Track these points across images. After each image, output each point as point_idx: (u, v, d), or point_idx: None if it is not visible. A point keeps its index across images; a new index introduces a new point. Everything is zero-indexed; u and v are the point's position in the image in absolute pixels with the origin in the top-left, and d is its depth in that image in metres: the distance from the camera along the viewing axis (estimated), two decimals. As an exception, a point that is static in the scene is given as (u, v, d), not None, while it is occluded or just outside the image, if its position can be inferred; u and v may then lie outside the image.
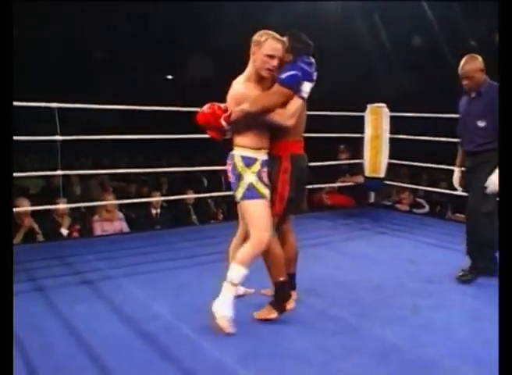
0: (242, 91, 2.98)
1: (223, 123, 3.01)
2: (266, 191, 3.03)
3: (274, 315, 3.10)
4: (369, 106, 6.61)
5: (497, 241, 3.56)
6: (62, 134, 4.63)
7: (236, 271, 2.96)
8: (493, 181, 3.62)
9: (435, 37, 10.15)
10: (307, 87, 3.00)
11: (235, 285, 2.98)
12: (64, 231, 5.46)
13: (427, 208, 7.03)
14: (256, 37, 2.96)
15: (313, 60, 3.05)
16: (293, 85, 2.95)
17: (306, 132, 3.28)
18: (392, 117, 6.50)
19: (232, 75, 3.12)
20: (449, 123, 6.06)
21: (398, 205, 6.99)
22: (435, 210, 7.47)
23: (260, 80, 3.02)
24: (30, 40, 10.59)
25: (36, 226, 5.22)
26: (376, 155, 6.53)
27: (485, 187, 3.67)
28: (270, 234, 3.01)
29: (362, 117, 6.62)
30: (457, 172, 4.20)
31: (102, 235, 5.59)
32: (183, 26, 11.27)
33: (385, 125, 6.48)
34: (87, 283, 3.74)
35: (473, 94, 3.81)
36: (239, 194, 3.01)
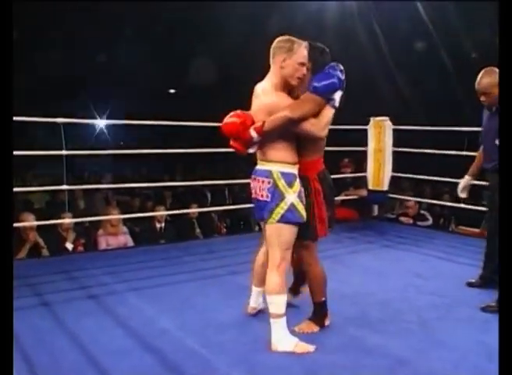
0: (275, 100, 2.81)
1: (253, 134, 2.79)
2: (304, 213, 2.88)
3: (316, 329, 3.12)
4: (372, 120, 6.63)
5: None
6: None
7: (276, 302, 2.84)
8: None
9: (438, 52, 10.20)
10: (338, 96, 2.87)
11: (281, 316, 2.85)
12: (69, 246, 5.47)
13: (430, 221, 7.02)
14: (285, 44, 2.82)
15: (342, 67, 2.91)
16: (328, 94, 2.82)
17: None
18: (395, 130, 6.53)
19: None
20: (451, 135, 6.13)
21: (402, 218, 6.99)
22: (439, 222, 7.47)
23: (287, 88, 2.88)
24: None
25: (41, 241, 5.24)
26: (379, 169, 6.55)
27: None
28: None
29: (365, 130, 6.65)
30: (466, 179, 4.13)
31: (107, 249, 5.59)
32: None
33: (388, 138, 6.50)
34: (93, 298, 3.74)
35: (493, 109, 3.65)
36: (276, 215, 2.81)
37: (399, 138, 6.63)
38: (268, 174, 2.83)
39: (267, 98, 2.84)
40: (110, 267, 4.55)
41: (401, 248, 5.42)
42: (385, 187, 6.58)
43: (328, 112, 2.86)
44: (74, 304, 3.61)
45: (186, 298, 3.73)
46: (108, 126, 5.07)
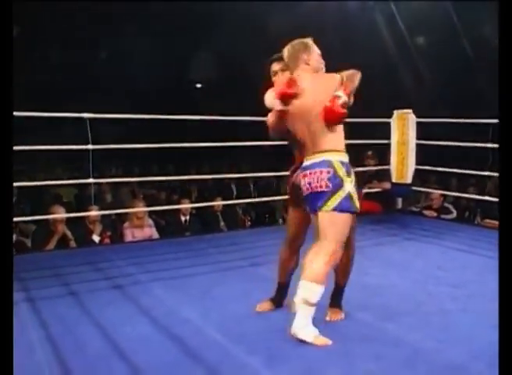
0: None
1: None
2: (358, 204, 2.88)
3: (343, 315, 3.22)
4: (396, 112, 6.61)
5: None
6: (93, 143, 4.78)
7: (313, 290, 2.76)
8: None
9: (461, 42, 10.08)
10: None
11: (312, 305, 2.78)
12: (96, 238, 5.59)
13: (454, 214, 6.98)
14: (300, 46, 3.00)
15: None
16: None
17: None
18: (420, 123, 6.50)
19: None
20: (476, 127, 6.08)
21: (425, 211, 6.96)
22: (464, 216, 7.42)
23: None
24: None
25: (69, 233, 5.37)
26: (403, 162, 6.53)
27: None
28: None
29: (389, 123, 6.63)
30: None
31: (133, 241, 5.71)
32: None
33: (412, 131, 6.47)
34: (118, 288, 3.85)
35: None
36: (332, 202, 2.79)
37: (425, 131, 6.61)
38: (329, 164, 2.82)
39: (329, 76, 2.99)
40: (135, 258, 4.66)
41: (424, 240, 5.41)
42: (409, 180, 6.56)
43: None
44: (99, 294, 3.72)
45: (208, 289, 3.80)
46: (130, 121, 5.13)
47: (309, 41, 3.04)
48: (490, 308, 3.39)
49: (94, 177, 5.02)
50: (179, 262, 4.54)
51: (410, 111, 6.55)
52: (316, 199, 2.86)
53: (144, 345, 2.85)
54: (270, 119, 3.12)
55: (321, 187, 2.81)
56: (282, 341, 2.89)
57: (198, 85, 16.63)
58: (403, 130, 6.52)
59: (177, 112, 5.59)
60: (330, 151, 2.85)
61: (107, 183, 8.14)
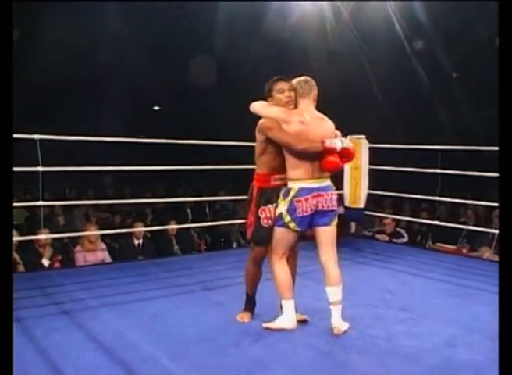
0: None
1: None
2: None
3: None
4: (349, 138, 6.71)
5: None
6: (47, 164, 4.70)
7: (340, 291, 3.49)
8: None
9: (414, 69, 10.39)
10: None
11: (341, 302, 3.46)
12: (45, 262, 5.48)
13: (406, 238, 7.12)
14: (311, 83, 3.49)
15: None
16: None
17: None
18: (373, 148, 6.65)
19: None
20: (429, 153, 6.25)
21: (378, 236, 7.09)
22: (416, 240, 7.58)
23: None
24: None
25: (16, 257, 5.24)
26: (356, 186, 6.65)
27: None
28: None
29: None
30: None
31: (84, 265, 5.61)
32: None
33: (365, 156, 6.62)
34: (66, 314, 3.76)
35: None
36: (335, 219, 3.55)
37: (379, 156, 6.75)
38: (331, 188, 3.49)
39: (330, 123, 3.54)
40: (85, 283, 4.58)
41: (375, 264, 5.50)
42: (362, 205, 6.68)
43: None
44: (46, 319, 3.63)
45: (159, 314, 3.77)
46: (89, 143, 5.08)
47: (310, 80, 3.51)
48: (437, 331, 3.49)
49: (47, 199, 4.93)
50: (131, 287, 4.48)
51: (363, 136, 6.69)
52: (327, 216, 3.48)
53: (89, 372, 2.80)
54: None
55: (333, 206, 3.48)
56: (231, 367, 2.89)
57: (156, 107, 16.60)
58: (356, 155, 6.63)
59: (133, 135, 5.57)
60: (327, 178, 3.49)
61: (60, 205, 8.00)
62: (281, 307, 3.44)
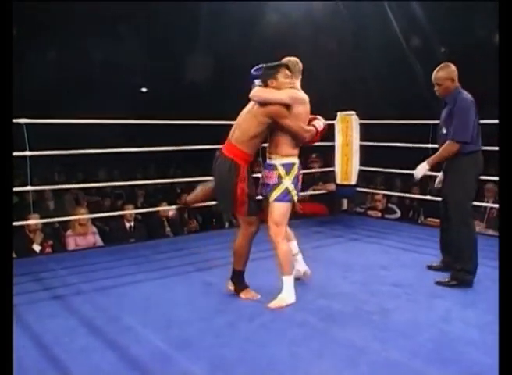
0: None
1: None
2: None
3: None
4: (339, 114, 6.70)
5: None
6: (33, 149, 4.64)
7: None
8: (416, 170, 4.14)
9: (401, 45, 10.35)
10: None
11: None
12: (36, 247, 5.43)
13: (398, 214, 7.13)
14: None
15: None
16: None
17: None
18: (364, 124, 6.61)
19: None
20: (421, 128, 6.22)
21: (370, 212, 7.08)
22: (408, 215, 7.58)
23: None
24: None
25: (7, 243, 5.18)
26: (347, 163, 6.62)
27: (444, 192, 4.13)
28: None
29: (332, 125, 6.71)
30: (440, 174, 4.31)
31: (76, 250, 5.57)
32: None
33: (356, 133, 6.58)
34: (58, 298, 3.73)
35: (445, 102, 4.04)
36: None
37: (369, 132, 6.71)
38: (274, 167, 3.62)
39: None
40: (77, 267, 4.54)
41: (368, 240, 5.50)
42: (354, 181, 6.65)
43: None
44: (38, 305, 3.60)
45: (152, 296, 3.75)
46: (81, 125, 5.01)
47: None
48: (430, 306, 3.50)
49: (34, 184, 4.87)
50: (123, 270, 4.45)
51: (353, 113, 6.65)
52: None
53: (83, 356, 2.78)
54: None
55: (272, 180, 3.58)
56: (226, 347, 2.88)
57: (143, 89, 16.44)
58: (347, 131, 6.62)
59: (124, 116, 5.48)
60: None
61: (49, 190, 7.92)
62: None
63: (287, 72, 3.53)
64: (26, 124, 4.59)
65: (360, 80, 10.85)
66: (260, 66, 3.56)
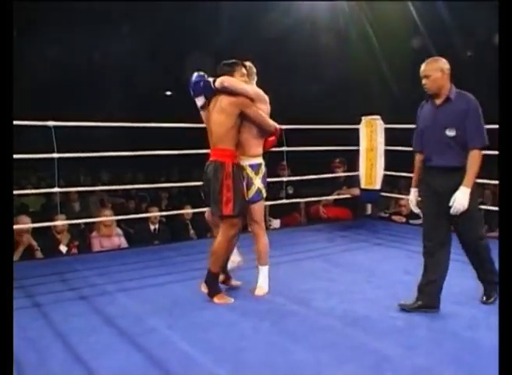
0: None
1: None
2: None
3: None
4: (364, 119, 6.67)
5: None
6: (60, 151, 4.70)
7: None
8: (458, 199, 3.32)
9: (428, 48, 10.23)
10: (198, 101, 3.74)
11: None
12: (63, 248, 5.49)
13: (423, 219, 7.04)
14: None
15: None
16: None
17: (303, 145, 3.45)
18: (387, 129, 6.56)
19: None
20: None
21: (394, 217, 7.02)
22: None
23: None
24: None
25: (35, 243, 5.26)
26: (372, 168, 6.59)
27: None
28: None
29: (357, 130, 6.68)
30: (415, 192, 3.79)
31: (101, 251, 5.62)
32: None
33: (380, 137, 6.54)
34: (83, 299, 3.78)
35: (438, 102, 3.51)
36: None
37: (393, 136, 6.67)
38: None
39: None
40: (102, 269, 4.59)
41: (392, 245, 5.46)
42: (378, 186, 6.62)
43: None
44: (64, 305, 3.65)
45: (176, 298, 3.77)
46: (103, 128, 5.06)
47: None
48: (455, 313, 3.45)
49: (61, 186, 4.94)
50: (148, 271, 4.48)
51: (378, 117, 6.61)
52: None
53: (107, 356, 2.80)
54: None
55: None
56: (250, 351, 2.88)
57: (168, 92, 16.57)
58: (372, 136, 6.58)
59: (146, 120, 5.53)
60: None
61: (75, 191, 8.03)
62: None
63: (243, 70, 3.70)
64: (54, 127, 4.65)
65: (383, 84, 10.78)
66: (201, 73, 3.71)
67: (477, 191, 3.55)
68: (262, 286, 3.82)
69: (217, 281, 3.73)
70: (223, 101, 3.58)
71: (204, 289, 3.71)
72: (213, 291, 3.67)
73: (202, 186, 3.76)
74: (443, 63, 3.49)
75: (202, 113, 3.79)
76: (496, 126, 2.91)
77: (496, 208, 6.50)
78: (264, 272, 3.85)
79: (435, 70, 3.45)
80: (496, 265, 3.44)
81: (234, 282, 4.00)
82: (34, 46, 10.65)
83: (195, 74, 3.71)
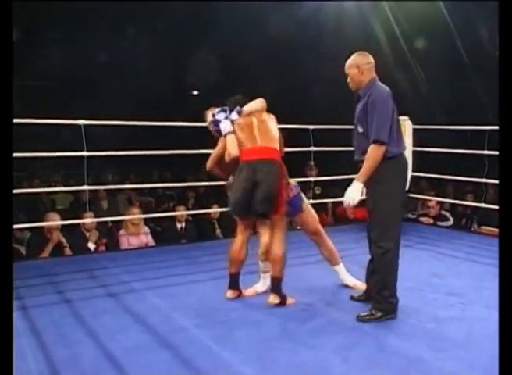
0: None
1: None
2: None
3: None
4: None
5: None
6: (88, 150, 4.76)
7: None
8: (348, 193, 3.33)
9: (457, 47, 10.10)
10: (223, 126, 3.72)
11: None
12: (91, 245, 5.56)
13: (451, 221, 6.97)
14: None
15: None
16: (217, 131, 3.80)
17: (331, 146, 3.39)
18: (417, 130, 6.50)
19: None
20: (474, 134, 6.08)
21: (422, 219, 6.96)
22: (461, 223, 7.41)
23: None
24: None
25: (64, 241, 5.34)
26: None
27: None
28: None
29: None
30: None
31: (128, 249, 5.68)
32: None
33: (409, 138, 6.47)
34: (112, 296, 3.82)
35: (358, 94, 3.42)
36: None
37: (422, 138, 6.61)
38: None
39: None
40: (130, 266, 4.64)
41: (420, 247, 5.41)
42: (406, 187, 6.54)
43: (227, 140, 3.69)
44: (94, 301, 3.70)
45: (204, 297, 3.79)
46: (129, 128, 5.11)
47: None
48: (486, 317, 3.40)
49: (90, 184, 5.01)
50: (175, 270, 4.52)
51: (406, 118, 6.54)
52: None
53: (137, 354, 2.83)
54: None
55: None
56: (278, 350, 2.88)
57: (195, 92, 16.63)
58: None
59: (174, 118, 5.57)
60: None
61: (104, 190, 8.12)
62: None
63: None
64: (85, 125, 4.72)
65: (413, 84, 10.68)
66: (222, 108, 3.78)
67: (398, 197, 3.45)
68: (354, 281, 3.99)
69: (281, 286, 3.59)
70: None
71: (275, 300, 3.55)
72: (284, 297, 3.57)
73: (242, 182, 3.53)
74: (360, 58, 3.37)
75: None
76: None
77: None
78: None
79: (351, 67, 3.38)
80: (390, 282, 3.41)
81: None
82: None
83: (216, 110, 3.80)
